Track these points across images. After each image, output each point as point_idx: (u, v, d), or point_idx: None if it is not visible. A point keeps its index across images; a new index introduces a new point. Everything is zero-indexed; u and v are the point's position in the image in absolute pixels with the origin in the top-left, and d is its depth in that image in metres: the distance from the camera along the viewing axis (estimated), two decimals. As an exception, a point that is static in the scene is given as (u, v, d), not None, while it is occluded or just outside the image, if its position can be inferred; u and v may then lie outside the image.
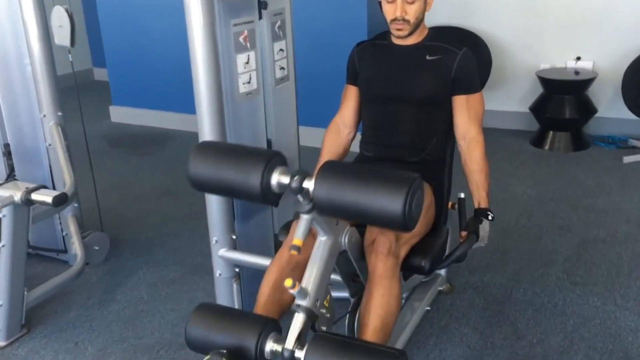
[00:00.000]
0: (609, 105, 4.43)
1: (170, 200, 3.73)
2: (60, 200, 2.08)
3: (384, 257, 1.77)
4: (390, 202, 1.35)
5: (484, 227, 2.04)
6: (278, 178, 1.48)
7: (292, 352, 1.49)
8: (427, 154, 2.12)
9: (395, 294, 1.76)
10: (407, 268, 1.95)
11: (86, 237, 2.86)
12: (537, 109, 4.38)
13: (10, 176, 2.87)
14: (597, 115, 4.32)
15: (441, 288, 2.62)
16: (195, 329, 1.59)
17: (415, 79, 2.09)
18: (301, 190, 1.47)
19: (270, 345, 1.51)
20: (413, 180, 1.37)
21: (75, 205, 2.88)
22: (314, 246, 1.66)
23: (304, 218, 1.53)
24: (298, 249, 1.47)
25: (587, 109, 4.29)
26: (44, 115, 2.71)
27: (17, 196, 2.07)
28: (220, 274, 2.24)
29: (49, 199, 2.06)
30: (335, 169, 1.48)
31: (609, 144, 4.33)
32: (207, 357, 1.50)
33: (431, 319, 2.47)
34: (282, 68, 2.34)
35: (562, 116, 4.26)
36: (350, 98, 2.25)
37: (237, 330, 1.54)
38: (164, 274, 2.91)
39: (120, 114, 5.31)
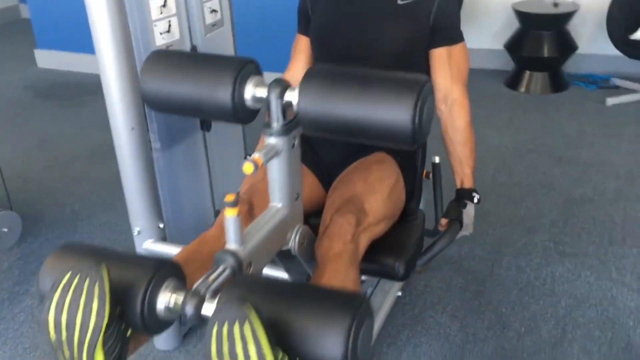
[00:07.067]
0: (591, 41, 4.03)
1: (103, 162, 3.17)
2: None
3: (341, 240, 1.35)
4: (398, 106, 1.07)
5: (469, 212, 1.64)
6: (253, 90, 1.18)
7: (200, 301, 0.97)
8: None
9: (352, 279, 1.33)
10: (374, 272, 1.55)
11: (-11, 218, 2.39)
12: (513, 46, 3.96)
13: None
14: (576, 52, 3.93)
15: (413, 267, 2.27)
16: (51, 273, 1.01)
17: (383, 30, 1.62)
18: (281, 104, 1.15)
19: (165, 295, 0.99)
20: (424, 83, 1.09)
21: (-24, 178, 2.41)
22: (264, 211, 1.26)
23: (271, 141, 1.17)
24: (257, 166, 1.08)
25: (567, 46, 3.89)
26: None
27: None
28: (147, 271, 1.82)
29: None
30: (323, 73, 1.17)
31: (590, 83, 3.95)
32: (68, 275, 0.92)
33: (403, 307, 2.13)
34: (214, 11, 1.85)
35: (540, 54, 3.86)
36: (302, 52, 1.77)
37: (121, 273, 0.98)
38: (89, 257, 2.47)
39: (47, 59, 4.66)
